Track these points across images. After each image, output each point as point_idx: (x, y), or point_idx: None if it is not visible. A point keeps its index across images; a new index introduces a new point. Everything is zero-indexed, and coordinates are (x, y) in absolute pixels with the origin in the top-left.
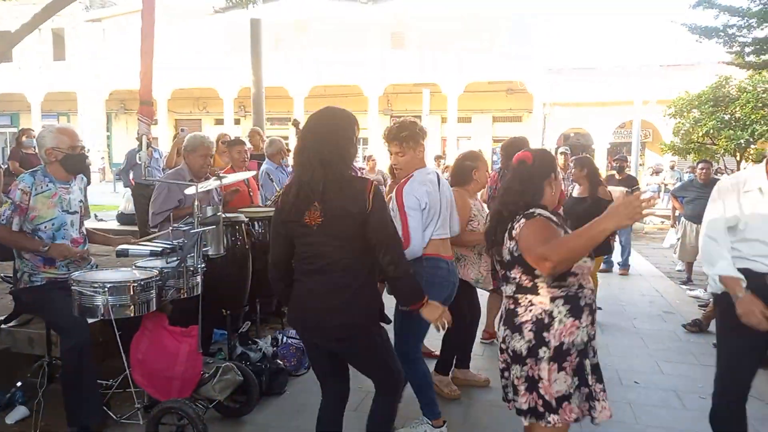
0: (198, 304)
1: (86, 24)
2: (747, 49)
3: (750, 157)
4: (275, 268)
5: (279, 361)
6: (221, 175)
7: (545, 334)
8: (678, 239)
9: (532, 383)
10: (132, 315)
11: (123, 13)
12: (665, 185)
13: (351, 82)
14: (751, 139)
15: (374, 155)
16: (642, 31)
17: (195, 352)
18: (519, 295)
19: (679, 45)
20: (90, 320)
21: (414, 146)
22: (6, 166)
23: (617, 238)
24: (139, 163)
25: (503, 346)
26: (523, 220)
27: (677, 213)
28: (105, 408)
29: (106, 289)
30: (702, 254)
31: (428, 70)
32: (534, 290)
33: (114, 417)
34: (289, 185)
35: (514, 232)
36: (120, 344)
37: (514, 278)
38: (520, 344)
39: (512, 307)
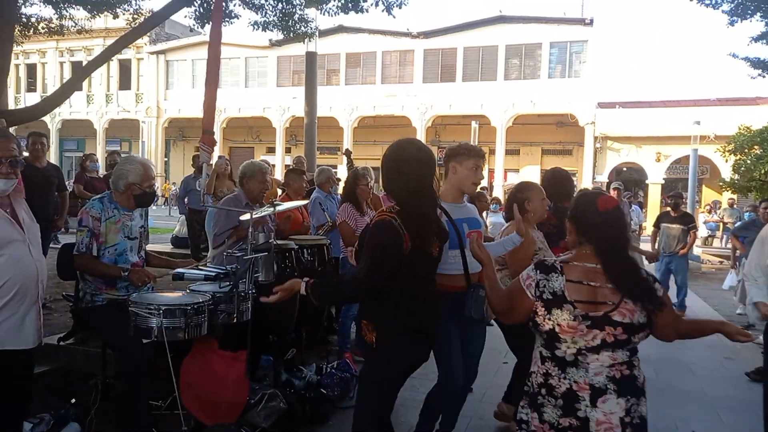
0: (247, 329)
1: (151, 56)
2: None
3: None
4: (377, 291)
5: (323, 390)
6: (276, 202)
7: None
8: (739, 281)
9: None
10: (185, 338)
11: (184, 46)
12: (724, 223)
13: (399, 112)
14: None
15: None
16: (698, 65)
17: (243, 377)
18: (634, 358)
19: (738, 79)
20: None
21: None
22: (71, 189)
23: (673, 277)
24: (198, 189)
25: (626, 419)
26: (658, 285)
27: (738, 253)
28: (153, 430)
29: (161, 311)
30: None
31: (477, 102)
32: (637, 349)
33: None
34: (390, 220)
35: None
36: (171, 366)
37: (635, 342)
38: (645, 408)
39: (629, 372)
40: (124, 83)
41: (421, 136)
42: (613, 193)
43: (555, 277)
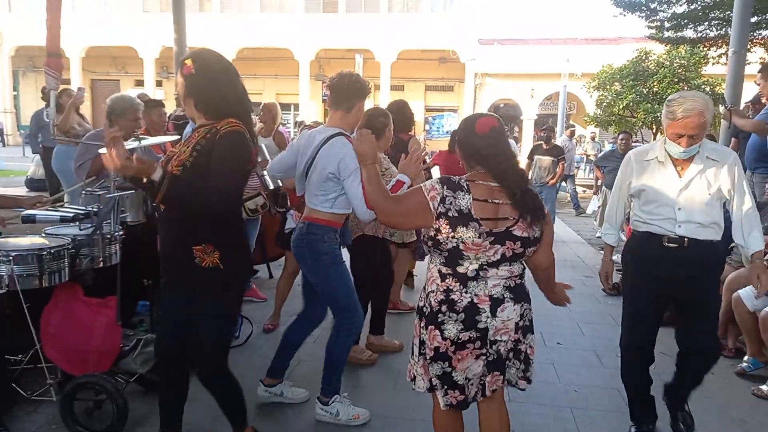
0: (116, 274)
1: None
2: (666, 25)
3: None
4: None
5: None
6: (141, 136)
7: None
8: (599, 207)
9: None
10: (41, 285)
11: None
12: (587, 155)
13: (281, 44)
14: None
15: (306, 121)
16: (569, 3)
17: (113, 323)
18: (523, 271)
19: (603, 19)
20: None
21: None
22: None
23: None
24: (47, 121)
25: (520, 323)
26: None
27: (599, 182)
28: (14, 385)
29: (11, 257)
30: (606, 214)
31: (361, 36)
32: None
33: (24, 394)
34: (244, 132)
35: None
36: (29, 317)
37: (528, 255)
38: (532, 313)
39: (520, 281)
40: None
41: (304, 69)
42: None
43: (462, 195)
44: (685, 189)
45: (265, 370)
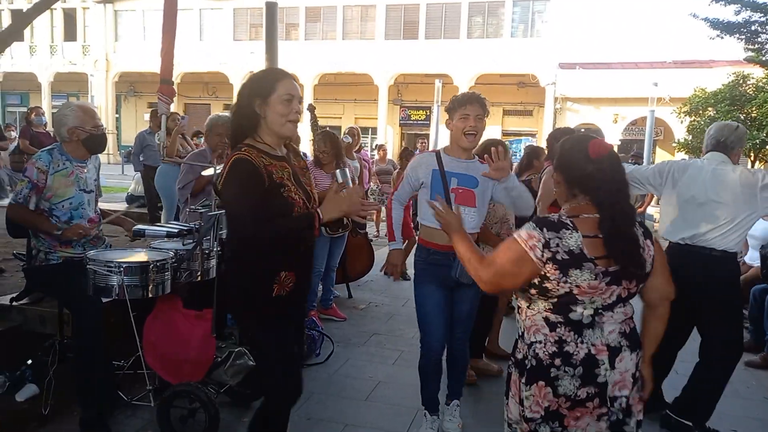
0: (213, 288)
1: (98, 5)
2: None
3: (765, 157)
4: None
5: None
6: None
7: None
8: None
9: None
10: (146, 296)
11: None
12: None
13: (361, 70)
14: (767, 140)
15: (385, 144)
16: (656, 26)
17: (208, 335)
18: (633, 311)
19: (693, 41)
20: (103, 300)
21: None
22: (16, 144)
23: None
24: (159, 143)
25: (636, 374)
26: (649, 243)
27: None
28: (118, 392)
29: (122, 269)
30: None
31: (439, 61)
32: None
33: (125, 398)
34: None
35: (653, 243)
36: (134, 325)
37: (637, 292)
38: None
39: (633, 324)
40: (70, 34)
41: (383, 94)
42: None
43: (568, 234)
44: None
45: (344, 389)
